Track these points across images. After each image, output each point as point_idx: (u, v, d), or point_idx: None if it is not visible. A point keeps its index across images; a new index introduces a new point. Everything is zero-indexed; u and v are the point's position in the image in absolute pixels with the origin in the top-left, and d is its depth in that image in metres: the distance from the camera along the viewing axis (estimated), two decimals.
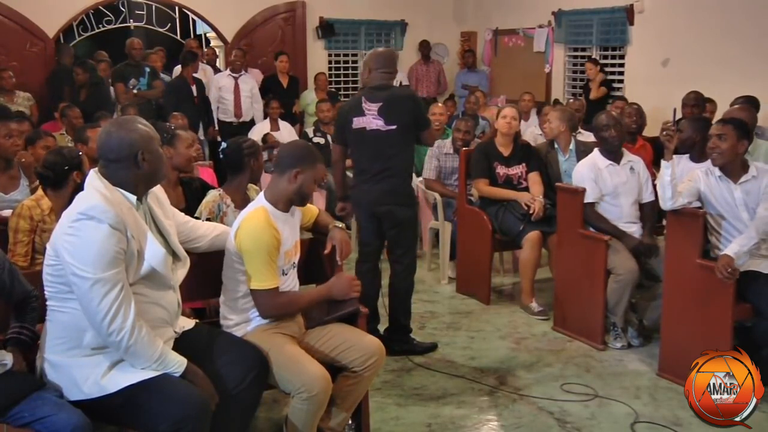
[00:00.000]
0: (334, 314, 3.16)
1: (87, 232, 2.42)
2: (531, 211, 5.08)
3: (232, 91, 8.50)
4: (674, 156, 4.05)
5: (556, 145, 5.42)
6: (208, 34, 11.16)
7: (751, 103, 5.64)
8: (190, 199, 3.90)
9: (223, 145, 3.88)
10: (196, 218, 3.47)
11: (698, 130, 4.48)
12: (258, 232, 2.92)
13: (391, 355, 4.31)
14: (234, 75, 8.57)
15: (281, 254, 3.02)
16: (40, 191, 3.69)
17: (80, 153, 3.75)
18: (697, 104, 6.07)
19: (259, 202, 3.08)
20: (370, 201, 4.29)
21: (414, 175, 6.58)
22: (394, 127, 4.21)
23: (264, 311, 2.99)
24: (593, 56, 9.11)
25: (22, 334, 2.67)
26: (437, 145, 6.10)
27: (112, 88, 8.23)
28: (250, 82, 8.73)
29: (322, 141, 7.34)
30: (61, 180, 3.62)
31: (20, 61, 8.33)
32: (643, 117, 6.00)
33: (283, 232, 3.03)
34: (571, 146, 5.38)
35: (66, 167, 3.61)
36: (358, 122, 4.27)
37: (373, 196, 4.27)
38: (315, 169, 3.11)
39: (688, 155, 4.56)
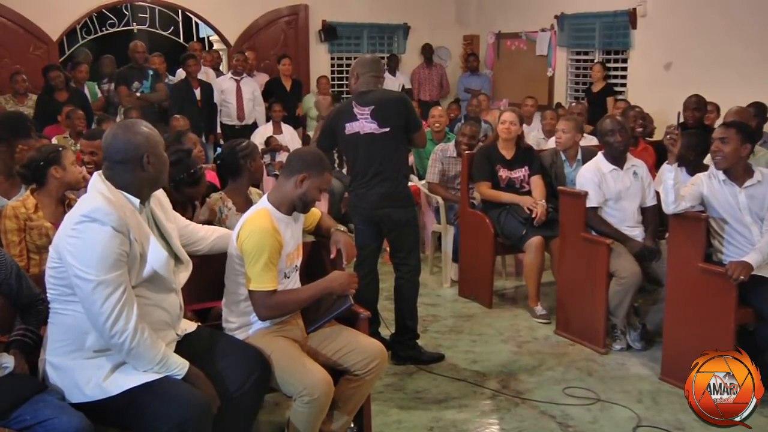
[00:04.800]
0: (330, 314, 3.15)
1: (90, 234, 2.43)
2: (533, 215, 5.07)
3: (234, 94, 8.52)
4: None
5: (562, 156, 5.35)
6: (211, 37, 11.18)
7: (758, 109, 5.63)
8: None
9: (219, 151, 3.86)
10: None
11: (690, 148, 4.49)
12: (260, 233, 2.92)
13: (396, 362, 4.32)
14: (236, 78, 8.59)
15: (283, 257, 3.01)
16: (27, 191, 3.67)
17: (59, 149, 3.66)
18: (699, 107, 6.06)
19: (262, 204, 3.08)
20: (367, 205, 4.28)
21: (417, 178, 6.61)
22: (388, 129, 4.20)
23: (261, 313, 2.97)
24: (596, 60, 9.12)
25: (26, 337, 2.67)
26: (441, 148, 6.10)
27: (96, 91, 8.30)
28: (252, 84, 8.74)
29: None
30: (39, 176, 3.56)
31: (23, 64, 8.33)
32: (646, 120, 5.98)
33: (285, 235, 3.02)
34: (578, 156, 5.31)
35: (41, 162, 3.53)
36: (351, 127, 4.26)
37: (370, 200, 4.26)
38: (322, 177, 3.11)
39: (684, 168, 4.55)
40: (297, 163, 3.12)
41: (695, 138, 4.65)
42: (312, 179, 3.07)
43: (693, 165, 4.55)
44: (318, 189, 3.10)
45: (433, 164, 6.05)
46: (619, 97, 8.63)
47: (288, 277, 3.10)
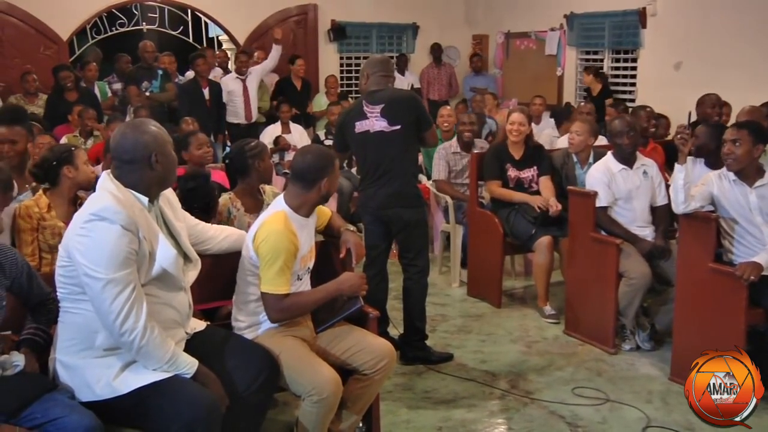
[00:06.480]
0: (340, 314, 3.15)
1: (99, 233, 2.44)
2: (549, 209, 5.01)
3: (240, 94, 8.51)
4: (689, 159, 4.03)
5: (574, 158, 5.30)
6: (220, 37, 11.20)
7: None
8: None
9: (228, 150, 3.87)
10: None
11: (713, 138, 4.43)
12: (276, 236, 2.92)
13: (405, 362, 4.32)
14: (241, 77, 8.58)
15: (297, 259, 3.01)
16: (40, 191, 3.69)
17: (72, 148, 3.66)
18: (717, 105, 6.00)
19: (279, 207, 3.07)
20: (376, 205, 4.28)
21: (426, 178, 6.60)
22: (398, 127, 4.19)
23: (272, 315, 2.98)
24: (605, 59, 9.09)
25: (36, 336, 2.68)
26: (444, 146, 6.08)
27: (106, 90, 8.33)
28: (256, 79, 8.72)
29: None
30: (51, 176, 3.57)
31: (34, 64, 8.37)
32: (659, 121, 5.93)
33: (301, 238, 3.03)
34: (591, 159, 5.25)
35: (54, 162, 3.54)
36: (361, 126, 4.25)
37: (379, 199, 4.26)
38: (335, 171, 3.16)
39: (703, 160, 4.51)
40: (313, 172, 3.07)
41: (716, 129, 4.57)
42: (329, 178, 3.11)
43: (713, 158, 4.46)
44: (336, 181, 3.20)
45: (438, 162, 6.02)
46: (629, 96, 8.62)
47: (300, 279, 3.10)
